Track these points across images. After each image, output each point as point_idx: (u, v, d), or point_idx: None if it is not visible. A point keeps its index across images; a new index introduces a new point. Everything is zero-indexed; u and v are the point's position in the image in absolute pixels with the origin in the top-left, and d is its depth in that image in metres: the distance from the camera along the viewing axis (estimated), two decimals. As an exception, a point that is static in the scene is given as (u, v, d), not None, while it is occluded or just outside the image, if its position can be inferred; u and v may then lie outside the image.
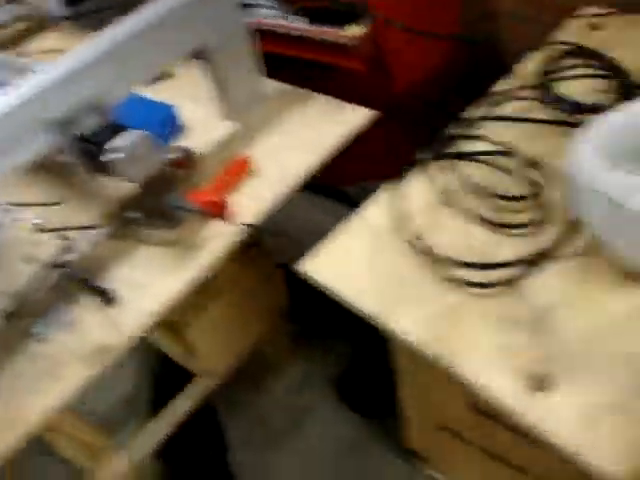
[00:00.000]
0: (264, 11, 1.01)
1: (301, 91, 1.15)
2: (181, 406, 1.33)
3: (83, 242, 0.92)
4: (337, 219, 0.89)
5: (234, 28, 1.01)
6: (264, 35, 1.50)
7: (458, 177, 0.89)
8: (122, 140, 0.82)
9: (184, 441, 1.38)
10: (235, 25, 1.01)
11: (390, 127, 1.52)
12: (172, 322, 1.28)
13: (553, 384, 0.66)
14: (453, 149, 0.94)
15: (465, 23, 1.63)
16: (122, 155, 0.80)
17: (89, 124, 0.85)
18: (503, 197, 0.85)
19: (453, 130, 0.98)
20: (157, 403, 1.40)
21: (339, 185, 1.80)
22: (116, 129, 0.85)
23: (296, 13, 1.47)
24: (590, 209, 0.73)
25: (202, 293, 1.27)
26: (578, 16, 1.17)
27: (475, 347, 0.71)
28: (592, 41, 1.08)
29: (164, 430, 1.31)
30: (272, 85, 1.17)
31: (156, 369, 1.55)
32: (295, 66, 1.56)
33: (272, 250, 1.34)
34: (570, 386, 0.66)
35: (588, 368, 0.67)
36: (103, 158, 0.81)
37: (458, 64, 1.66)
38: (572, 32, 1.14)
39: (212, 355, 1.31)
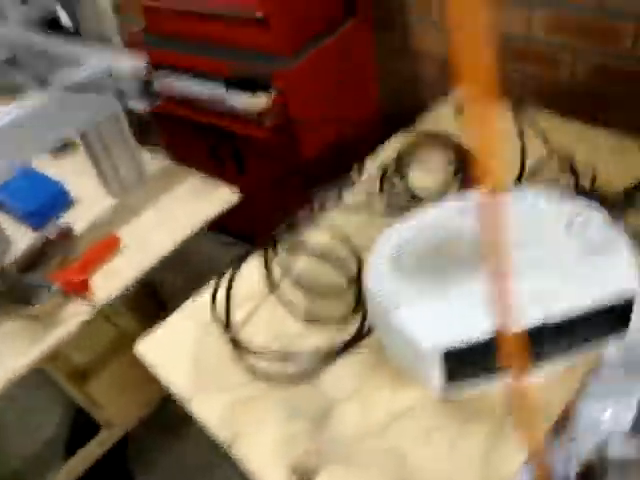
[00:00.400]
0: (133, 102, 1.09)
1: (181, 168, 1.23)
2: (88, 454, 1.41)
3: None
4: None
5: (111, 117, 1.09)
6: (178, 102, 1.60)
7: (288, 266, 0.96)
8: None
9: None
10: (112, 114, 1.09)
11: (294, 191, 1.59)
12: (76, 373, 1.36)
13: (317, 477, 0.72)
14: (294, 236, 1.01)
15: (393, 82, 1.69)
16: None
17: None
18: (323, 289, 0.92)
19: (299, 217, 1.04)
20: (71, 449, 1.48)
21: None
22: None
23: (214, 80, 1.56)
24: (372, 309, 0.80)
25: (104, 349, 1.36)
26: (453, 97, 1.23)
27: (261, 436, 0.78)
28: (454, 125, 1.15)
29: (70, 477, 1.38)
30: (154, 163, 1.25)
31: (75, 415, 1.63)
32: (208, 127, 1.65)
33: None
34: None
35: (352, 462, 0.73)
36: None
37: (376, 128, 1.73)
38: (441, 114, 1.20)
39: (115, 407, 1.39)
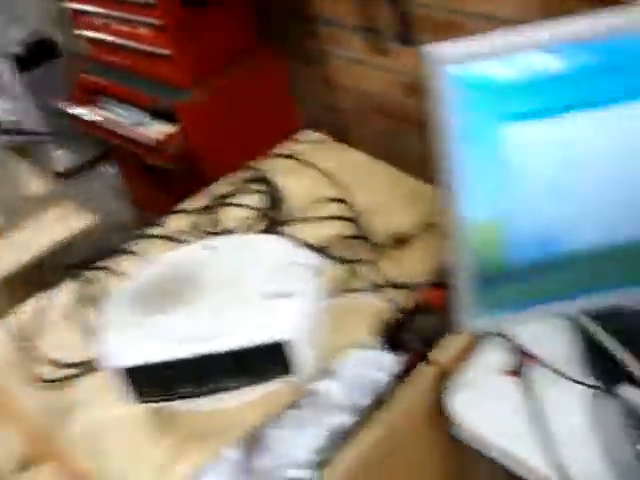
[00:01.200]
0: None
1: (56, 193, 1.42)
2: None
3: None
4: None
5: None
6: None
7: (88, 287, 1.12)
8: None
9: None
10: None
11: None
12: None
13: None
14: (107, 260, 1.16)
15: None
16: None
17: None
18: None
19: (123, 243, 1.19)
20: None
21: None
22: None
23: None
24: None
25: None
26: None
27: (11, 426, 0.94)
28: (283, 167, 1.27)
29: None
30: (37, 187, 1.44)
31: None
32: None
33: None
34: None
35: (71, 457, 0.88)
36: None
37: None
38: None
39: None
